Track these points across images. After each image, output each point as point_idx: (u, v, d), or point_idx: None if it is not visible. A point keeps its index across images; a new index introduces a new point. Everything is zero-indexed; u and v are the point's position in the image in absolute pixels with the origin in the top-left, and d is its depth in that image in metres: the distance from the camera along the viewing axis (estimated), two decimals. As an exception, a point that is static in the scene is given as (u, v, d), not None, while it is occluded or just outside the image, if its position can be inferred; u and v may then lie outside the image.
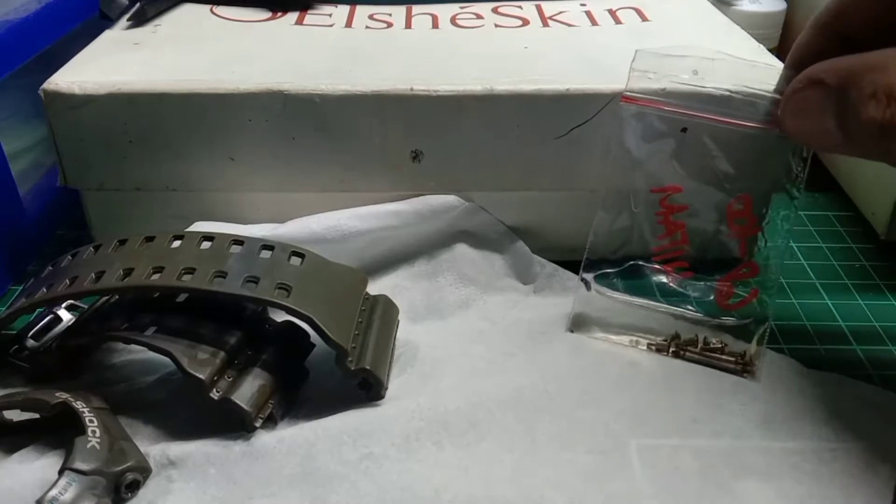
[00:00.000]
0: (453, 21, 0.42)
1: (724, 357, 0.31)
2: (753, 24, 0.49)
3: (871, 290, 0.37)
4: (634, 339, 0.32)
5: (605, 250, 0.33)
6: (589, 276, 0.33)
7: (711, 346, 0.31)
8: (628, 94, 0.30)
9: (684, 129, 0.30)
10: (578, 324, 0.33)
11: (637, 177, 0.31)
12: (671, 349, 0.31)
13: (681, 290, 0.32)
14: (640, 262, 0.32)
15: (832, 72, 0.24)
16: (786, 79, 0.27)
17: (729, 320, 0.31)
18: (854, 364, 0.32)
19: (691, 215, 0.31)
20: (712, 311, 0.32)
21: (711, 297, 0.32)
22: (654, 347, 0.31)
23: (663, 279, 0.32)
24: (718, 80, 0.29)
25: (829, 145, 0.25)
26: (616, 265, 0.33)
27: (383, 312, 0.31)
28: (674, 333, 0.32)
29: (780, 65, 0.31)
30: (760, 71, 0.29)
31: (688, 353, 0.31)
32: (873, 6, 0.25)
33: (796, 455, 0.27)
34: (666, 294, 0.33)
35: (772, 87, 0.28)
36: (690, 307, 0.32)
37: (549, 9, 0.44)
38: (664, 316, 0.32)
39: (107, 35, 0.39)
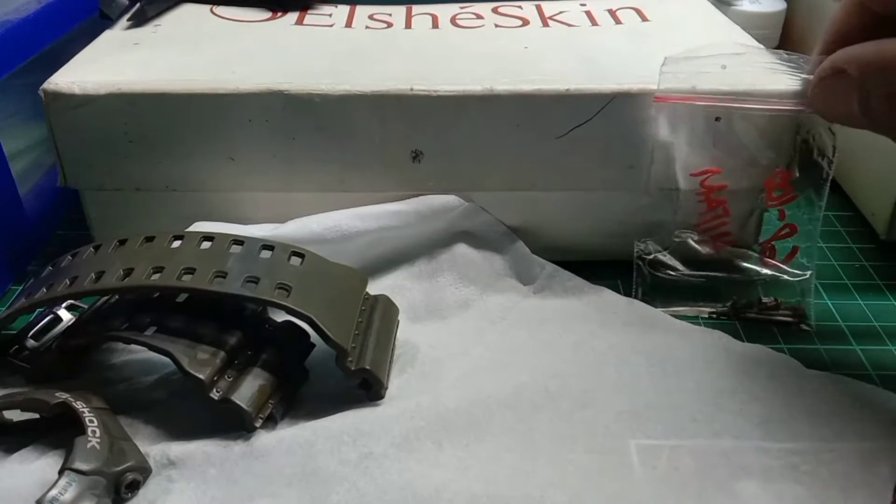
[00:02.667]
0: (453, 21, 0.42)
1: (779, 313, 0.33)
2: (753, 24, 0.49)
3: (871, 290, 0.37)
4: (695, 309, 0.34)
5: (651, 233, 0.35)
6: (644, 259, 0.35)
7: (767, 305, 0.33)
8: (661, 94, 0.31)
9: (718, 119, 0.32)
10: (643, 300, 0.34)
11: (676, 164, 0.33)
12: (731, 315, 0.34)
13: (726, 258, 0.34)
14: (686, 236, 0.34)
15: (853, 63, 0.25)
16: (816, 62, 0.28)
17: (780, 276, 0.33)
18: (854, 364, 0.32)
19: (731, 192, 0.33)
20: (759, 271, 0.34)
21: (755, 259, 0.34)
22: (714, 315, 0.34)
23: (709, 249, 0.34)
24: (748, 70, 0.30)
25: (857, 126, 0.26)
26: (663, 245, 0.35)
27: (383, 312, 0.31)
28: (733, 300, 0.34)
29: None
30: (787, 58, 0.30)
31: (748, 315, 0.33)
32: None
33: (795, 455, 0.27)
34: (714, 265, 0.35)
35: (800, 72, 0.29)
36: (739, 272, 0.34)
37: (549, 9, 0.44)
38: (718, 284, 0.34)
39: (107, 35, 0.39)
